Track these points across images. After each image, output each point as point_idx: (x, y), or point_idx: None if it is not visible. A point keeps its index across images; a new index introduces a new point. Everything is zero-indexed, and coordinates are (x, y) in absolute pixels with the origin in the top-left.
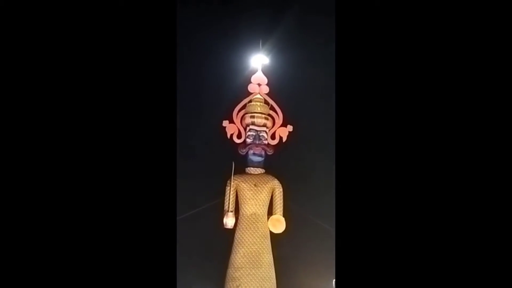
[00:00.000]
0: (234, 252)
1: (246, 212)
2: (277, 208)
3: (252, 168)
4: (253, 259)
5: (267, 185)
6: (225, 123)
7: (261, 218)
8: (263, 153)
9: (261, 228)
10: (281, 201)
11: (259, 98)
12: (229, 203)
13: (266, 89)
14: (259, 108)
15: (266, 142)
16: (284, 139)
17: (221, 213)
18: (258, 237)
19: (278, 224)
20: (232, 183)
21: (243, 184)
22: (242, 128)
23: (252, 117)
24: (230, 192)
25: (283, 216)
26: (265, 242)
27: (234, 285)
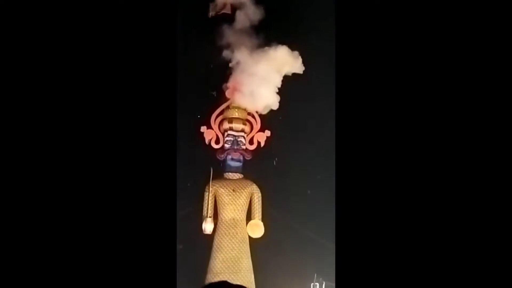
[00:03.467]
0: (213, 258)
1: (224, 217)
2: (256, 213)
3: (230, 173)
4: (232, 264)
5: (245, 190)
6: (203, 128)
7: (240, 223)
8: (241, 158)
9: (240, 233)
10: (260, 206)
11: (236, 103)
12: (207, 209)
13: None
14: (236, 114)
15: (244, 147)
16: (262, 144)
17: (200, 219)
18: (237, 242)
19: (256, 229)
20: (210, 189)
21: (221, 189)
22: (220, 133)
23: (230, 122)
24: (208, 197)
25: (262, 221)
26: (244, 247)
27: None
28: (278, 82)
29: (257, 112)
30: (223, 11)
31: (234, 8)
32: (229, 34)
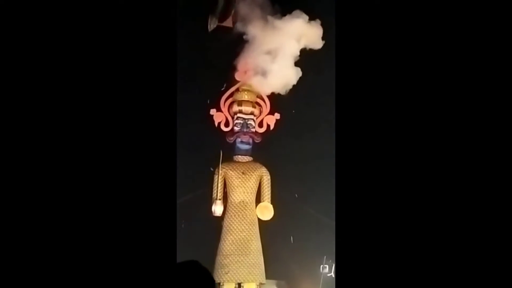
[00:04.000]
0: (222, 240)
1: (234, 199)
2: (265, 196)
3: (240, 156)
4: (242, 246)
5: (255, 172)
6: (213, 111)
7: (249, 205)
8: (250, 141)
9: (249, 216)
10: (269, 188)
11: (246, 86)
12: (217, 191)
13: None
14: (246, 96)
15: (253, 130)
16: (272, 127)
17: (210, 201)
18: (246, 224)
19: (266, 211)
20: (220, 171)
21: (231, 172)
22: (229, 116)
23: (240, 105)
24: (218, 180)
25: (271, 203)
26: (254, 229)
27: (223, 272)
28: (295, 55)
29: (274, 92)
30: (223, 25)
31: (235, 22)
32: (241, 7)
